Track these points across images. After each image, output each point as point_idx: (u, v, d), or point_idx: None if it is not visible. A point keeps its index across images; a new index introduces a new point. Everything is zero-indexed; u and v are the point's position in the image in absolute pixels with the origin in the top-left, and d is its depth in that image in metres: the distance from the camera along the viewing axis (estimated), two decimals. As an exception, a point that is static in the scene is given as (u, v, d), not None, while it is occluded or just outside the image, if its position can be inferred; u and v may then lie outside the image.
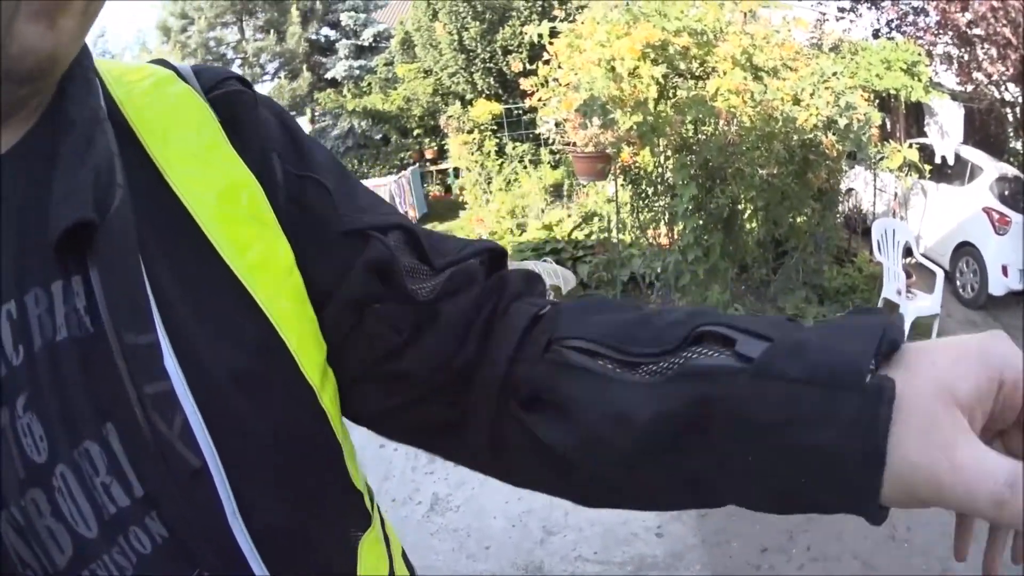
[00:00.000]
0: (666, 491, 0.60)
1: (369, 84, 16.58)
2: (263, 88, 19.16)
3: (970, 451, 0.44)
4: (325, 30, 20.97)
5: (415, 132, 14.91)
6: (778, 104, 5.92)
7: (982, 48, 9.45)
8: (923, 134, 10.25)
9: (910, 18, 10.98)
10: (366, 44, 19.16)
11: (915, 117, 10.94)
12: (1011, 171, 7.89)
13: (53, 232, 0.52)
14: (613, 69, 5.86)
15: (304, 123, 17.28)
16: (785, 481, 0.51)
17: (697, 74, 6.26)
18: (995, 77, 9.45)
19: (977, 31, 9.42)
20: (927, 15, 10.64)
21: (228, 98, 0.68)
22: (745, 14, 6.43)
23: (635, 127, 5.84)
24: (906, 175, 7.79)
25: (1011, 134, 10.45)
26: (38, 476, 0.49)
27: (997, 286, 7.11)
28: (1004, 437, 0.50)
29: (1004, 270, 7.04)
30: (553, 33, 6.65)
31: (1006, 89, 9.74)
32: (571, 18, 6.57)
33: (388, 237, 0.69)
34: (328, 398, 0.64)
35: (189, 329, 0.56)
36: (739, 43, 6.06)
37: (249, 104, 0.70)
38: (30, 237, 0.53)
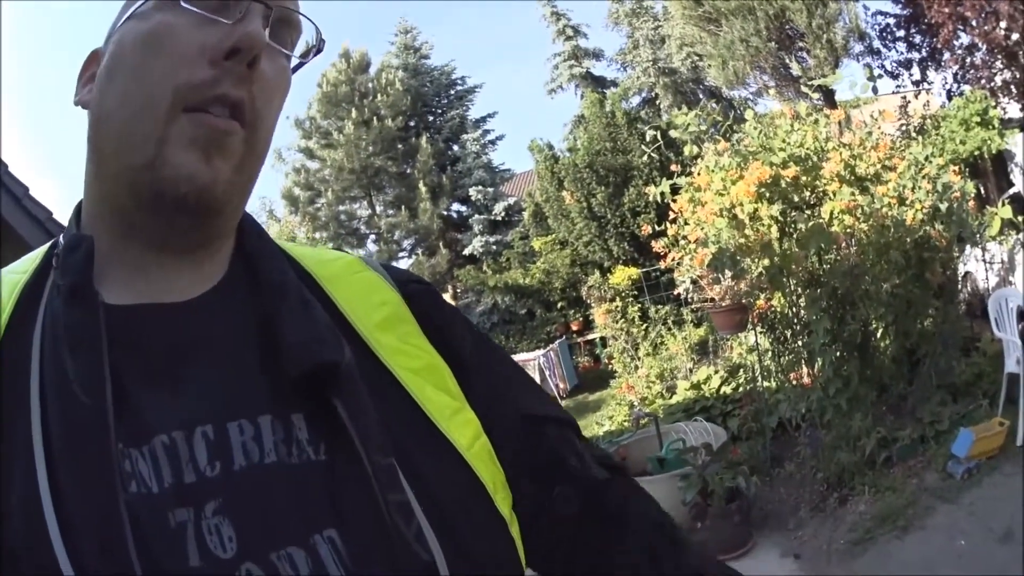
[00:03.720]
0: None
1: (508, 259, 17.08)
2: (400, 265, 19.64)
3: None
4: (456, 205, 21.84)
5: (559, 305, 15.10)
6: (886, 211, 5.88)
7: None
8: (1011, 183, 9.85)
9: (968, 61, 10.95)
10: (499, 219, 19.93)
11: (1000, 167, 10.66)
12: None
13: (297, 368, 0.64)
14: (735, 217, 5.82)
15: (447, 300, 17.71)
16: None
17: (810, 202, 6.23)
18: None
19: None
20: (978, 49, 10.61)
21: (421, 296, 0.83)
22: (840, 123, 6.55)
23: (764, 271, 5.73)
24: (1007, 236, 7.37)
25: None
26: (217, 569, 0.56)
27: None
28: None
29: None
30: (674, 189, 6.66)
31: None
32: (687, 170, 6.57)
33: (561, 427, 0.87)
34: (515, 531, 0.74)
35: (413, 459, 0.66)
36: (840, 158, 6.09)
37: (439, 302, 0.85)
38: (234, 376, 0.65)
